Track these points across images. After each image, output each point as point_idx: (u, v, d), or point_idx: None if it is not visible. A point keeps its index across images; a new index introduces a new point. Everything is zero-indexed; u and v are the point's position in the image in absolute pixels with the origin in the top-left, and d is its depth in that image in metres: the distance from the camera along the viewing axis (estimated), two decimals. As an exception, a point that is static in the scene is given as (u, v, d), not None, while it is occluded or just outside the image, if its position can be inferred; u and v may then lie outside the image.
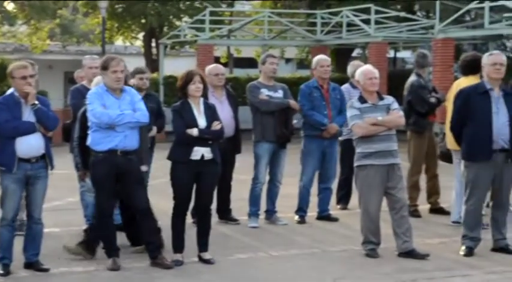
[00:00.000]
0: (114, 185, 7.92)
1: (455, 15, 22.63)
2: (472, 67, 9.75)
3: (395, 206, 8.44)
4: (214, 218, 9.61)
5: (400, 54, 41.49)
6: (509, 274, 7.77)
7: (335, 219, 10.52)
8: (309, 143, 10.34)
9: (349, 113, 8.54)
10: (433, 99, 10.70)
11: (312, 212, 10.58)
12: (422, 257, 8.30)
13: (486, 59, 8.55)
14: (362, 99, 8.51)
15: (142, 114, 7.93)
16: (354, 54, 34.66)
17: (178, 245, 8.13)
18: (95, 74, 9.07)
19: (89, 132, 7.95)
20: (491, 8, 21.62)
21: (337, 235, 9.67)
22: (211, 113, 8.19)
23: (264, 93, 10.06)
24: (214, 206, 8.91)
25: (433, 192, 11.00)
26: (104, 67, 7.90)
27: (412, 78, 10.86)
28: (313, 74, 10.66)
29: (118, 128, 7.78)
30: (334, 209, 11.01)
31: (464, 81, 9.64)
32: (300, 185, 10.42)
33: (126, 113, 7.80)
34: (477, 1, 21.86)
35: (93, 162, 7.92)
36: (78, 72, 10.95)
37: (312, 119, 10.22)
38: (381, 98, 8.55)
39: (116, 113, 7.76)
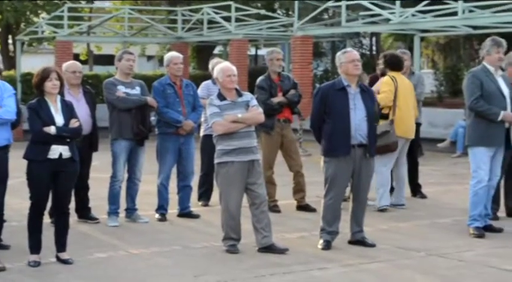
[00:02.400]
0: None
1: (314, 13, 23.06)
2: (395, 63, 10.94)
3: (256, 201, 8.51)
4: (73, 217, 9.47)
5: (261, 52, 41.97)
6: (365, 266, 7.96)
7: (196, 216, 10.52)
8: (164, 140, 10.29)
9: (209, 110, 8.54)
10: (276, 100, 10.79)
11: (173, 209, 10.56)
12: (282, 251, 8.40)
13: (342, 57, 8.72)
14: (221, 97, 8.53)
15: (7, 110, 7.78)
16: (216, 51, 34.86)
17: (35, 245, 7.94)
18: None
19: None
20: (348, 7, 22.13)
21: (198, 232, 9.68)
22: (68, 111, 8.05)
23: (121, 90, 9.96)
24: (72, 205, 8.76)
25: (298, 189, 11.14)
26: None
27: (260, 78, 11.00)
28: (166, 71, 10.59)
29: None
30: (195, 205, 11.01)
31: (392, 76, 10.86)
32: (158, 183, 10.38)
33: None
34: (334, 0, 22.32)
35: None
36: None
37: (167, 116, 10.19)
38: (240, 95, 8.60)
39: None
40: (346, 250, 8.60)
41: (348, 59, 8.67)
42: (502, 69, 9.87)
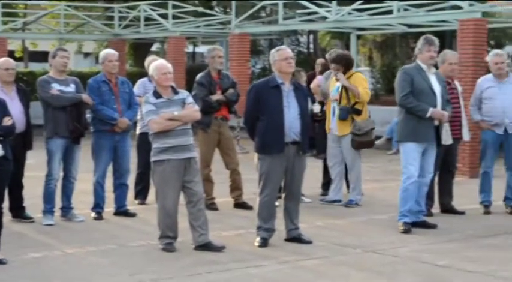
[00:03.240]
0: None
1: (251, 11, 23.07)
2: (351, 63, 11.40)
3: (193, 199, 8.49)
4: (7, 216, 9.35)
5: (198, 49, 41.92)
6: (301, 262, 8.01)
7: (133, 215, 10.47)
8: (99, 138, 10.23)
9: (145, 108, 8.50)
10: (215, 97, 10.76)
11: (110, 207, 10.49)
12: (218, 249, 8.40)
13: (276, 54, 8.73)
14: (157, 94, 8.50)
15: None
16: (153, 48, 34.66)
17: (-32, 245, 7.84)
18: None
19: None
20: (285, 5, 22.20)
21: (135, 230, 9.63)
22: (1, 109, 7.96)
23: (56, 87, 9.86)
24: (6, 204, 8.64)
25: (234, 187, 11.15)
26: None
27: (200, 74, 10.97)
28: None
29: None
30: (132, 204, 10.96)
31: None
32: (93, 181, 10.31)
33: None
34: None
35: None
36: None
37: (102, 113, 10.12)
38: (176, 93, 8.57)
39: None
40: (282, 247, 8.63)
41: (281, 57, 8.70)
42: (437, 67, 10.00)
